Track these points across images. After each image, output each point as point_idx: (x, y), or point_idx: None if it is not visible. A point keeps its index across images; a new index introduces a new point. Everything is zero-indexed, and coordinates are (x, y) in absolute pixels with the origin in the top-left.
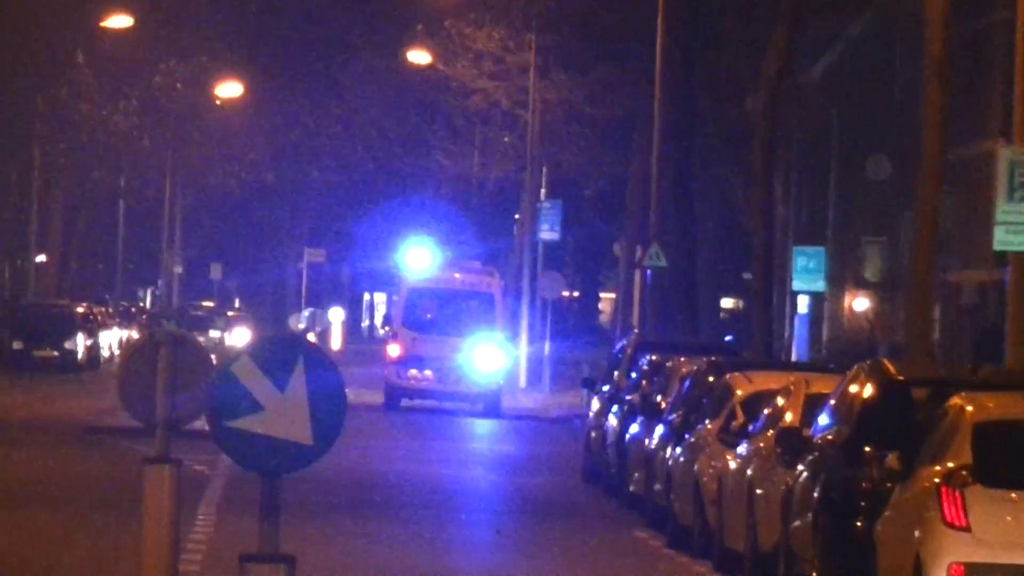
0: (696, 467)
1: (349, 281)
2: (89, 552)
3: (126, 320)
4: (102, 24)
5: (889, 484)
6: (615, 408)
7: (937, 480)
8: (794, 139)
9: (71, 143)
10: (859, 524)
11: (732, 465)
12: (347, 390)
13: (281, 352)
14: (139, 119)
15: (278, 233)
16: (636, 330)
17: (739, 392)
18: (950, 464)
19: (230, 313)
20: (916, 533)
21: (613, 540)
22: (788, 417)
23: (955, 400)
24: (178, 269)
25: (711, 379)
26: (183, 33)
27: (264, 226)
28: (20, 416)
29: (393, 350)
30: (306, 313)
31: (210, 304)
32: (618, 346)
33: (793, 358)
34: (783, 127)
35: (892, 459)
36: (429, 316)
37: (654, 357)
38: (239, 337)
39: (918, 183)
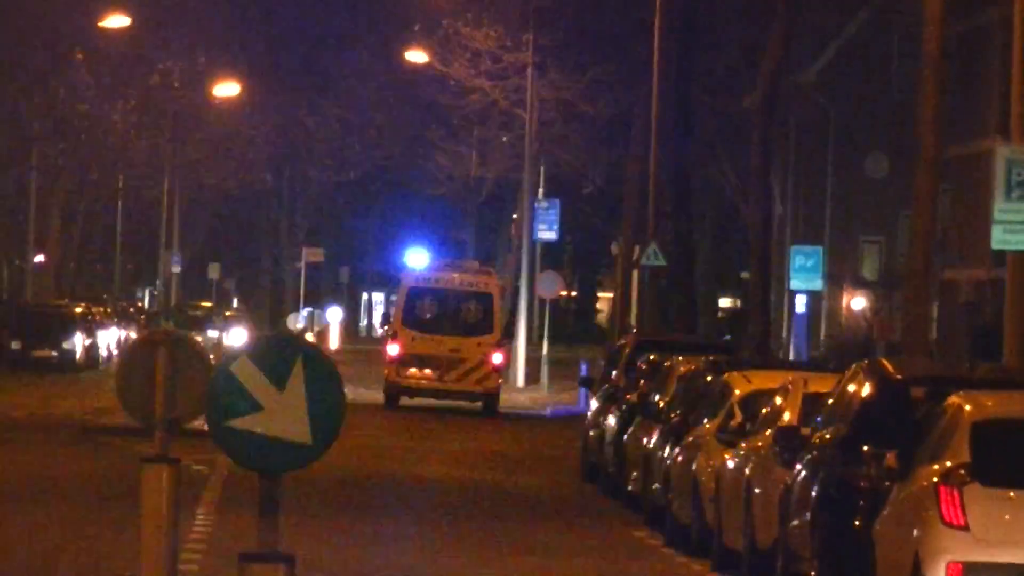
0: (694, 466)
1: (348, 281)
2: (88, 552)
3: (124, 320)
4: (100, 24)
5: (887, 483)
6: (613, 407)
7: (935, 479)
8: (791, 138)
9: (69, 143)
10: (857, 523)
11: (730, 464)
12: (346, 389)
13: (280, 351)
14: (137, 119)
15: (276, 233)
16: (634, 329)
17: (737, 391)
18: (948, 463)
19: (228, 313)
20: (914, 532)
21: (611, 539)
22: (786, 416)
23: (953, 399)
24: (176, 269)
25: (709, 378)
26: (181, 33)
27: (262, 226)
28: (18, 416)
29: (392, 349)
30: (304, 313)
31: (208, 304)
32: (616, 345)
33: (791, 357)
34: (780, 126)
35: (890, 458)
36: (428, 316)
37: (652, 356)
38: (237, 337)
39: (916, 182)
